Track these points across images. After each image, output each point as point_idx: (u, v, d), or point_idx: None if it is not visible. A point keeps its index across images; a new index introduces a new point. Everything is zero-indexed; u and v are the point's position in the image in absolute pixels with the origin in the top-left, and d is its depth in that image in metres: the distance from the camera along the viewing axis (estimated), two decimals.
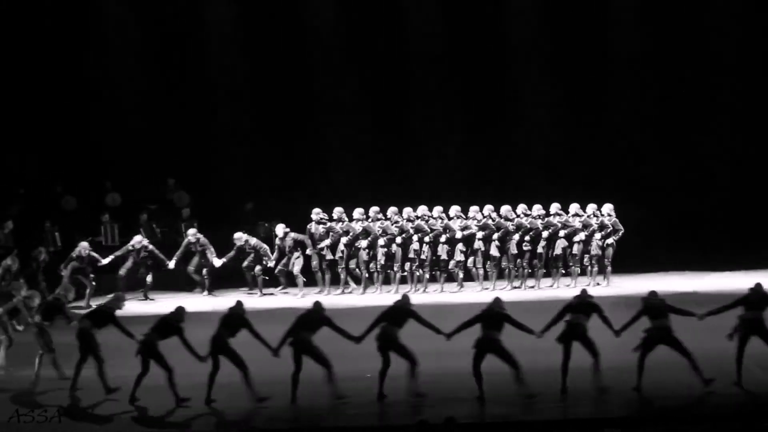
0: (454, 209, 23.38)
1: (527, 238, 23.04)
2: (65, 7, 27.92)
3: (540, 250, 23.04)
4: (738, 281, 20.21)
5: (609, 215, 23.11)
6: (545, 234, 22.99)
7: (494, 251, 23.00)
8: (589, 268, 23.08)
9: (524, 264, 23.09)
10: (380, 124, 28.10)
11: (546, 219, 23.12)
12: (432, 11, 28.18)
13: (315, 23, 28.44)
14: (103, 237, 26.18)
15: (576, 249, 23.01)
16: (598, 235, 23.01)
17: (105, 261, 23.48)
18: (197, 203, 27.26)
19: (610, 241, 23.02)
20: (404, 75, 28.34)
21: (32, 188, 27.23)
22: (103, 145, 27.78)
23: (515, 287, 23.05)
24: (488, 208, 23.22)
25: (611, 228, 23.01)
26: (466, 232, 23.10)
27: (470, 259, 23.27)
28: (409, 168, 27.89)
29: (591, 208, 23.21)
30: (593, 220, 23.12)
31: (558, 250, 23.04)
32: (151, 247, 23.78)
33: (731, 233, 26.13)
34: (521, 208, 23.27)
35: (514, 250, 23.06)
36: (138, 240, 23.73)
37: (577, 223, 23.12)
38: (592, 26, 27.77)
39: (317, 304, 15.39)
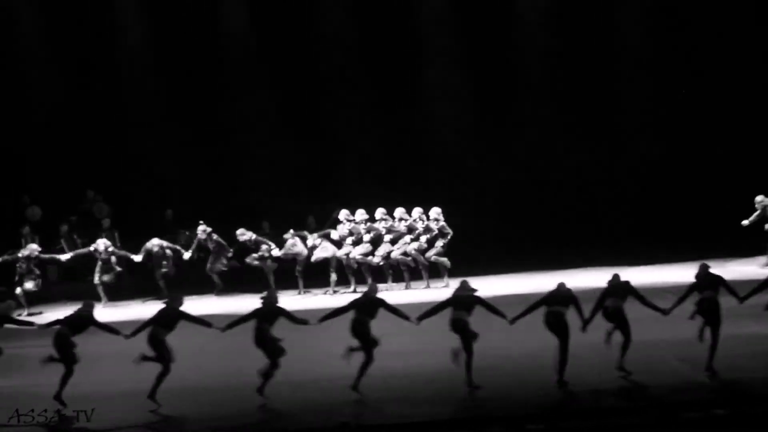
0: None
1: (349, 242, 23.29)
2: None
3: (360, 252, 23.16)
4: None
5: (436, 219, 23.24)
6: (367, 238, 23.24)
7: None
8: (423, 271, 23.23)
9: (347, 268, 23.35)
10: (299, 129, 28.46)
11: (368, 224, 23.35)
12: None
13: (226, 28, 28.67)
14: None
15: (400, 253, 23.16)
16: (423, 239, 23.14)
17: (64, 257, 23.89)
18: (117, 214, 27.33)
19: (440, 243, 23.13)
20: (316, 81, 28.70)
21: None
22: (21, 158, 27.73)
23: (345, 292, 23.24)
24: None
25: (437, 232, 23.12)
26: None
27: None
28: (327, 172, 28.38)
29: (417, 212, 23.37)
30: (419, 224, 23.27)
31: (381, 253, 23.18)
32: (112, 248, 23.92)
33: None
34: (343, 213, 23.49)
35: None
36: (100, 243, 23.89)
37: (402, 227, 23.32)
38: (500, 26, 28.32)
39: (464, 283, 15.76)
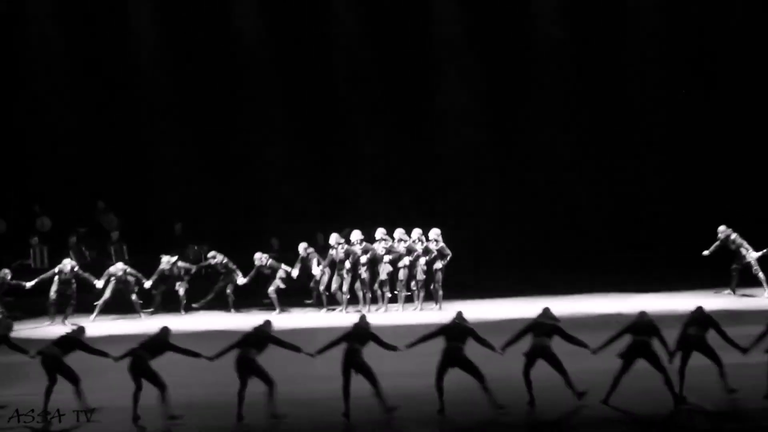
0: None
1: (347, 265, 22.99)
2: None
3: (364, 275, 22.97)
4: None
5: (435, 240, 23.01)
6: (363, 259, 22.99)
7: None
8: (416, 292, 23.03)
9: (343, 289, 23.12)
10: (315, 145, 28.62)
11: (364, 244, 23.12)
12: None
13: (240, 39, 28.80)
14: (32, 260, 26.24)
15: (401, 274, 22.95)
16: (422, 260, 22.92)
17: (29, 285, 23.20)
18: (126, 226, 27.37)
19: (438, 265, 22.87)
20: (333, 98, 28.86)
21: None
22: (32, 168, 27.86)
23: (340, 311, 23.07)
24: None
25: (436, 253, 22.88)
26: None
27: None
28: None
29: (416, 233, 23.13)
30: (418, 245, 23.02)
31: (383, 276, 22.99)
32: (78, 269, 23.54)
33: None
34: (334, 238, 23.22)
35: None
36: (66, 263, 23.60)
37: (401, 248, 23.08)
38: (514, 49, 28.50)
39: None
